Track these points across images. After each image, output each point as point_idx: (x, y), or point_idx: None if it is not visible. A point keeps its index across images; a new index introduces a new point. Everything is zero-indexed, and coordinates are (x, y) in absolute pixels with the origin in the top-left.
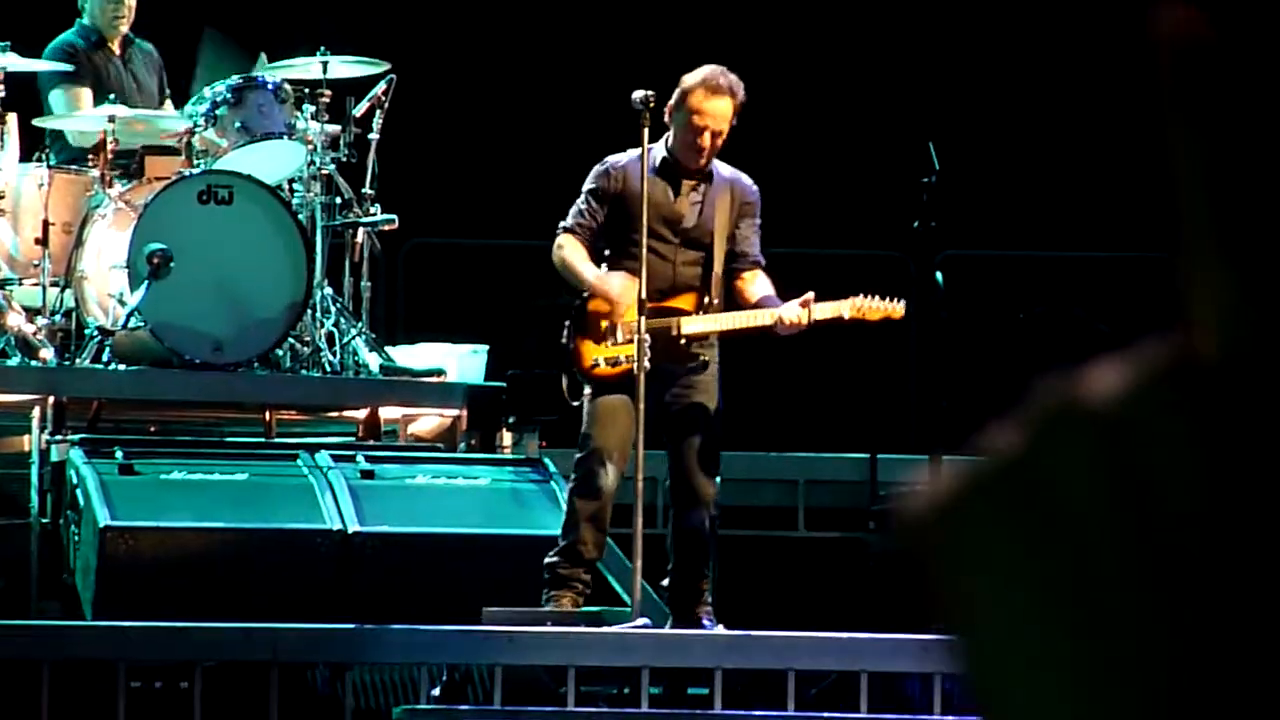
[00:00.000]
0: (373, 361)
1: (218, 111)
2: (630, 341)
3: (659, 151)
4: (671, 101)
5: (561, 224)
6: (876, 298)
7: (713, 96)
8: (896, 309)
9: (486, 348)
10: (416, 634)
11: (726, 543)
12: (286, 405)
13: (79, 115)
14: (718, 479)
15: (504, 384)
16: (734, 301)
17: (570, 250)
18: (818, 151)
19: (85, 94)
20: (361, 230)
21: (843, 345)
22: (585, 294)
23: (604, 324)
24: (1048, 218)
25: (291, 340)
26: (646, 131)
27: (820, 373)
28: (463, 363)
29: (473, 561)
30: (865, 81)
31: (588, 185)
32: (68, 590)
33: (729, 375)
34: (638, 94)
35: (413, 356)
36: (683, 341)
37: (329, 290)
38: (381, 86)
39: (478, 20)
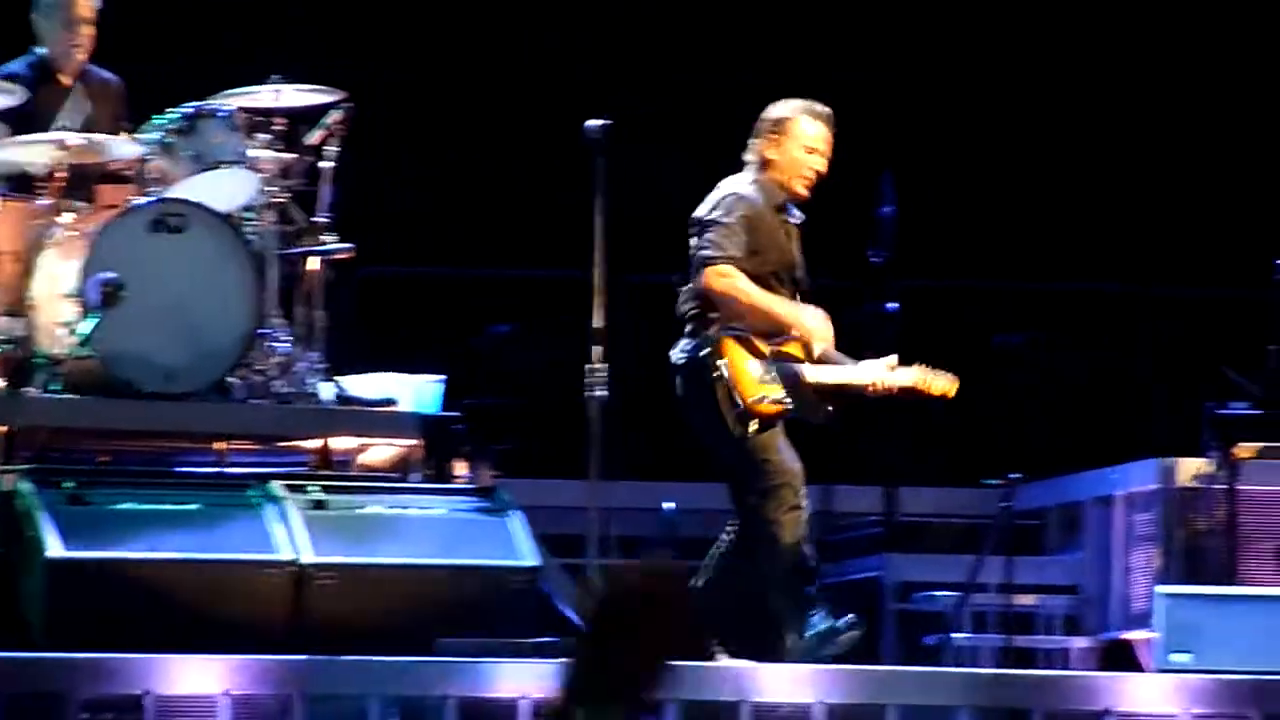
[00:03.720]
0: (326, 391)
1: (170, 139)
2: (775, 382)
3: (772, 192)
4: (771, 134)
5: (711, 253)
6: (934, 370)
7: (823, 123)
8: (951, 386)
9: (442, 377)
10: (369, 665)
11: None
12: (238, 435)
13: (20, 142)
14: None
15: (459, 414)
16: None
17: (744, 280)
18: None
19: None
20: (315, 259)
21: None
22: (727, 330)
23: (753, 353)
24: (1004, 248)
25: (244, 370)
26: (601, 161)
27: None
28: (417, 392)
29: (427, 592)
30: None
31: (732, 215)
32: (18, 621)
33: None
34: (592, 124)
35: (366, 386)
36: (813, 393)
37: (282, 319)
38: (336, 114)
39: (430, 50)
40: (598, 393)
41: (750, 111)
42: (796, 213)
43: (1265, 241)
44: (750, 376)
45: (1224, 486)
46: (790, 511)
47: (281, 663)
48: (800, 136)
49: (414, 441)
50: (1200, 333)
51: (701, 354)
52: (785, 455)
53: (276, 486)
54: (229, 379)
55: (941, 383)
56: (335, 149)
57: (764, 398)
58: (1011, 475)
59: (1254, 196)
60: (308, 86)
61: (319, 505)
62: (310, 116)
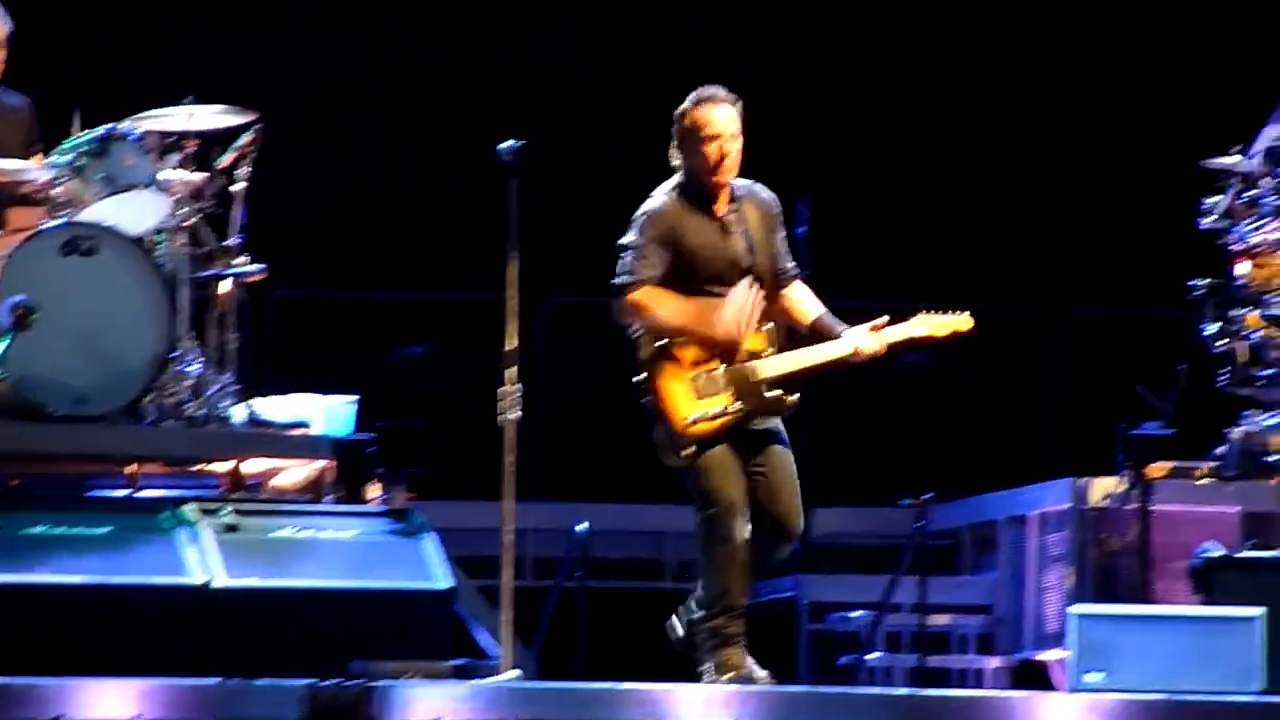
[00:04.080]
0: (238, 414)
1: (81, 163)
2: (717, 391)
3: (690, 192)
4: (674, 140)
5: (622, 280)
6: (939, 313)
7: (709, 106)
8: (963, 322)
9: (355, 399)
10: (283, 689)
11: (595, 596)
12: (151, 458)
13: None
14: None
15: (372, 436)
16: (786, 320)
17: (657, 302)
18: None
19: None
20: (227, 281)
21: None
22: (664, 341)
23: (691, 372)
24: (916, 269)
25: (156, 392)
26: (515, 182)
27: None
28: (330, 414)
29: (340, 615)
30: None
31: (644, 235)
32: None
33: (595, 427)
34: (504, 145)
35: (279, 408)
36: (766, 390)
37: (194, 342)
38: (247, 136)
39: (342, 71)
40: (511, 414)
41: (660, 134)
42: (741, 188)
43: (1178, 262)
44: (682, 397)
45: (1136, 506)
46: (719, 545)
47: (195, 686)
48: (696, 128)
49: (327, 464)
50: (1113, 353)
51: (636, 380)
52: (724, 482)
53: (189, 509)
54: (141, 402)
55: (948, 320)
56: (247, 171)
57: (697, 418)
58: (925, 495)
59: (1166, 217)
60: (219, 108)
61: (231, 528)
62: (222, 139)
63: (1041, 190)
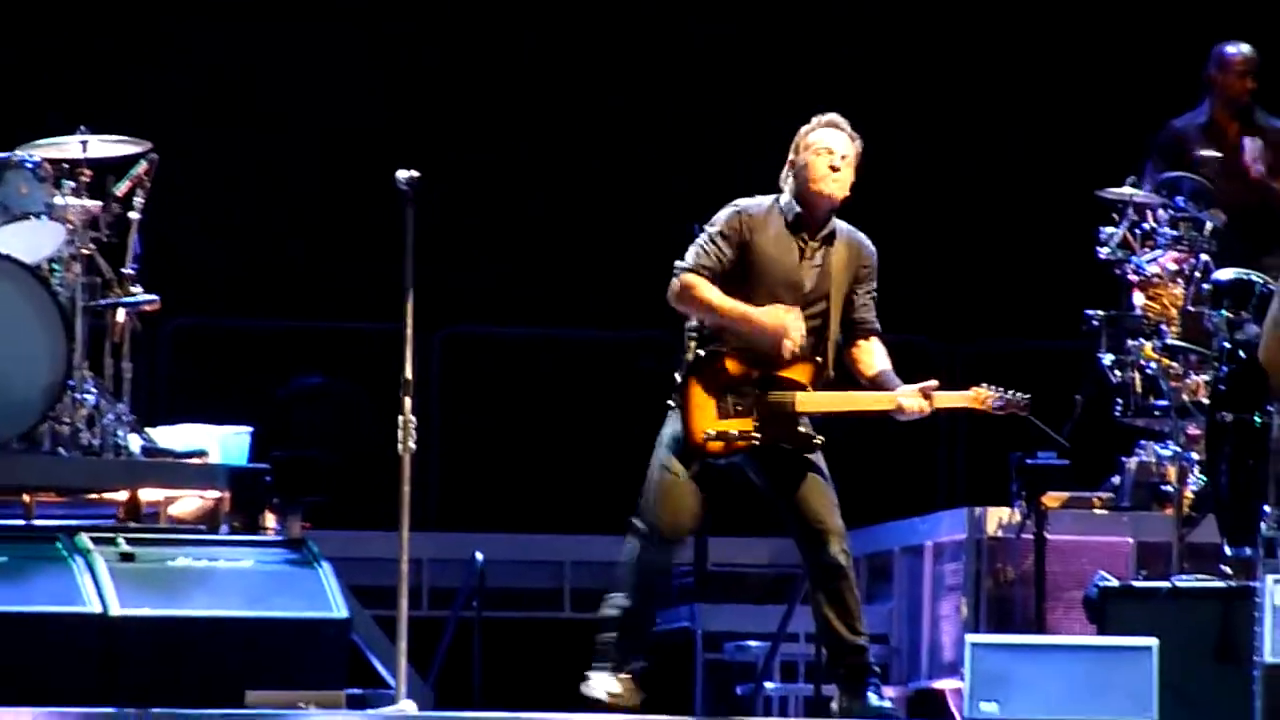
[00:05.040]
0: (133, 443)
1: None
2: (745, 414)
3: (787, 206)
4: (790, 156)
5: (680, 264)
6: (1000, 390)
7: (830, 129)
8: (1024, 403)
9: (250, 429)
10: (178, 718)
11: (492, 626)
12: (45, 487)
13: None
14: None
15: (268, 465)
16: (848, 372)
17: (708, 288)
18: (592, 228)
19: None
20: (122, 310)
21: (606, 426)
22: (710, 349)
23: (725, 381)
24: None
25: (51, 421)
26: (410, 212)
27: (584, 453)
28: (225, 444)
29: (235, 644)
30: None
31: (717, 226)
32: None
33: (492, 457)
34: (402, 174)
35: (174, 438)
36: (799, 426)
37: (89, 371)
38: (143, 165)
39: (236, 98)
40: (407, 444)
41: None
42: (843, 231)
43: (1073, 293)
44: (709, 411)
45: (1031, 536)
46: (635, 560)
47: (91, 715)
48: (807, 145)
49: (222, 493)
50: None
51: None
52: (663, 509)
53: (84, 539)
54: (36, 431)
55: (1007, 398)
56: (142, 200)
57: (711, 435)
58: None
59: (1063, 249)
60: (114, 137)
61: (127, 557)
62: (117, 167)
63: (937, 222)
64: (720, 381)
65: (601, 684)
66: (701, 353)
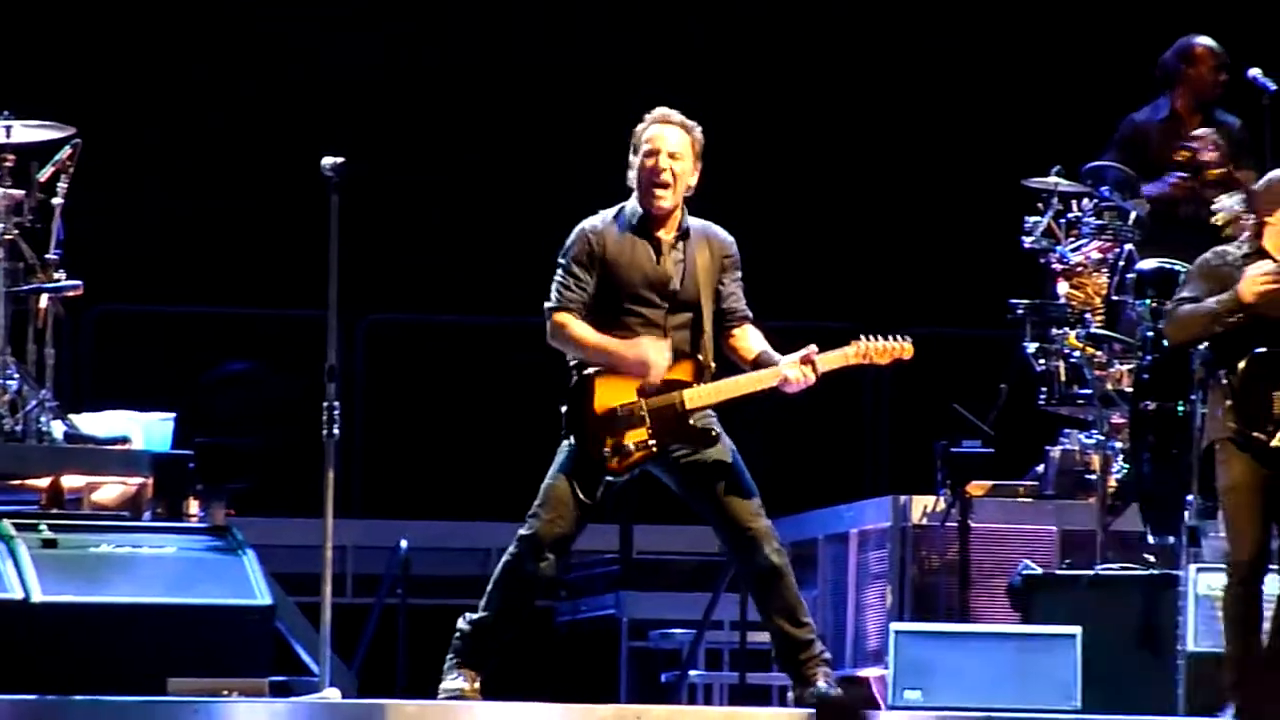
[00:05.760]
0: (56, 429)
1: None
2: (636, 426)
3: (631, 213)
4: (629, 158)
5: (548, 304)
6: (880, 338)
7: (658, 124)
8: (905, 347)
9: (173, 415)
10: (100, 705)
11: (417, 613)
12: None
13: None
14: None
15: (191, 452)
16: (729, 361)
17: (578, 326)
18: (515, 215)
19: None
20: (45, 296)
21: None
22: (589, 371)
23: (607, 406)
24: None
25: None
26: (335, 199)
27: (508, 440)
28: (149, 430)
29: (158, 631)
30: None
31: (569, 254)
32: None
33: (416, 444)
34: (327, 160)
35: (97, 424)
36: (691, 420)
37: (11, 357)
38: (66, 151)
39: (161, 84)
40: (332, 431)
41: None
42: (698, 227)
43: (998, 281)
44: (598, 431)
45: (956, 524)
46: (509, 559)
47: (13, 702)
48: (637, 146)
49: (146, 479)
50: (933, 371)
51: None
52: (542, 508)
53: (6, 525)
54: None
55: (888, 345)
56: (65, 186)
57: (607, 454)
58: None
59: (988, 236)
60: (37, 123)
61: (49, 544)
62: (41, 153)
63: (863, 209)
64: (605, 398)
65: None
66: (585, 372)
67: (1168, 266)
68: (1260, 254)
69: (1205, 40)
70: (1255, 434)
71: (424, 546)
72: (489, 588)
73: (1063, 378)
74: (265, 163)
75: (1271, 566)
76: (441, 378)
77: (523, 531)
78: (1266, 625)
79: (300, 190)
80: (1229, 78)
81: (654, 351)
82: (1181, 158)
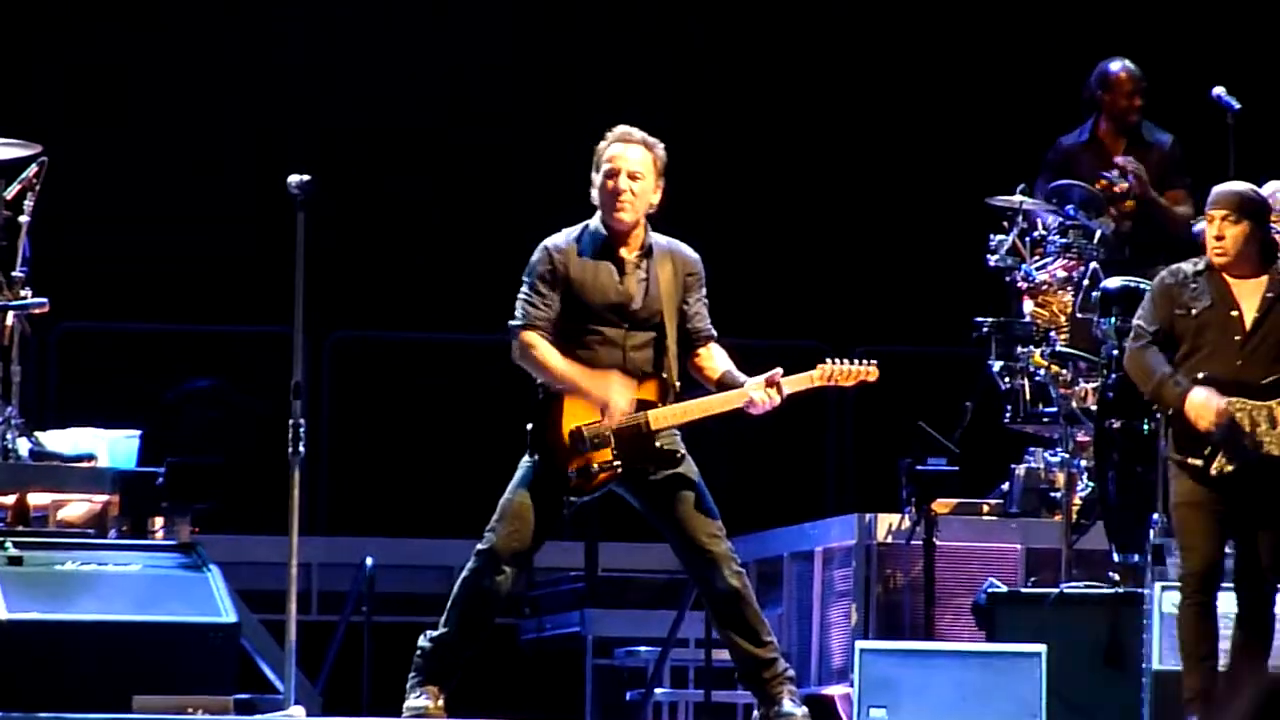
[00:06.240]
0: (21, 446)
1: None
2: (601, 447)
3: (593, 231)
4: (591, 176)
5: (513, 322)
6: (846, 362)
7: (619, 143)
8: (870, 371)
9: (139, 433)
10: None
11: (382, 630)
12: None
13: None
14: (726, 538)
15: (157, 469)
16: (694, 381)
17: (544, 349)
18: (482, 232)
19: None
20: (11, 314)
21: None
22: (553, 392)
23: (573, 426)
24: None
25: None
26: (301, 216)
27: (473, 457)
28: (114, 448)
29: (123, 648)
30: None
31: (534, 272)
32: None
33: (382, 461)
34: (293, 178)
35: (63, 441)
36: (657, 441)
37: None
38: (32, 169)
39: (126, 101)
40: (297, 448)
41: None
42: (663, 244)
43: (963, 300)
44: (563, 452)
45: (921, 542)
46: (467, 575)
47: None
48: (598, 165)
49: (111, 497)
50: (898, 389)
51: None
52: (501, 522)
53: None
54: None
55: (854, 369)
56: (31, 203)
57: (572, 475)
58: None
59: (952, 256)
60: (3, 140)
61: (14, 561)
62: (6, 170)
63: (829, 227)
64: (571, 418)
65: (418, 704)
66: (546, 396)
67: (1132, 285)
68: (1211, 270)
69: (1121, 64)
70: (1190, 459)
71: (389, 564)
72: (449, 604)
73: (1028, 396)
74: (231, 180)
75: (1225, 585)
76: (407, 395)
77: (480, 546)
78: (1224, 644)
79: (266, 207)
80: (1144, 102)
81: (617, 393)
82: (1100, 187)
